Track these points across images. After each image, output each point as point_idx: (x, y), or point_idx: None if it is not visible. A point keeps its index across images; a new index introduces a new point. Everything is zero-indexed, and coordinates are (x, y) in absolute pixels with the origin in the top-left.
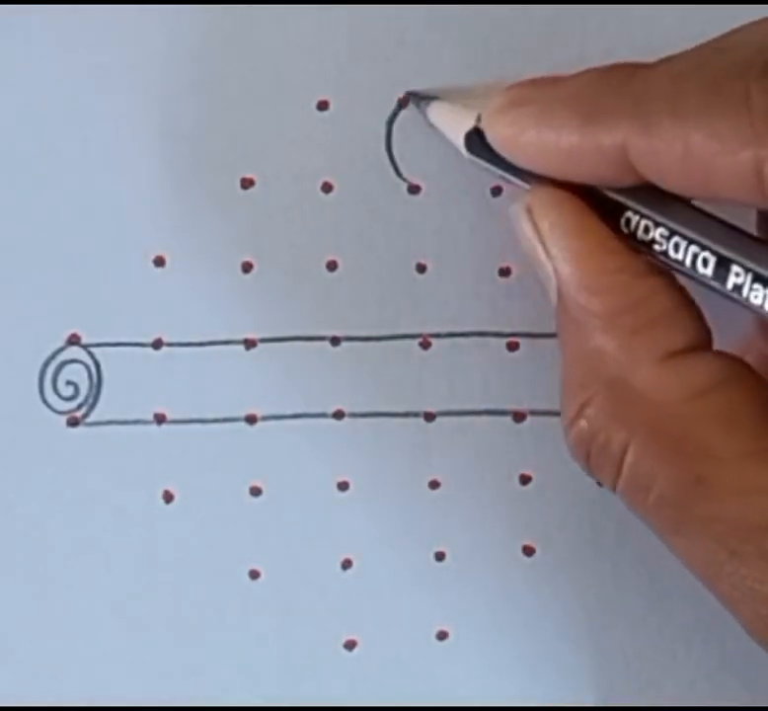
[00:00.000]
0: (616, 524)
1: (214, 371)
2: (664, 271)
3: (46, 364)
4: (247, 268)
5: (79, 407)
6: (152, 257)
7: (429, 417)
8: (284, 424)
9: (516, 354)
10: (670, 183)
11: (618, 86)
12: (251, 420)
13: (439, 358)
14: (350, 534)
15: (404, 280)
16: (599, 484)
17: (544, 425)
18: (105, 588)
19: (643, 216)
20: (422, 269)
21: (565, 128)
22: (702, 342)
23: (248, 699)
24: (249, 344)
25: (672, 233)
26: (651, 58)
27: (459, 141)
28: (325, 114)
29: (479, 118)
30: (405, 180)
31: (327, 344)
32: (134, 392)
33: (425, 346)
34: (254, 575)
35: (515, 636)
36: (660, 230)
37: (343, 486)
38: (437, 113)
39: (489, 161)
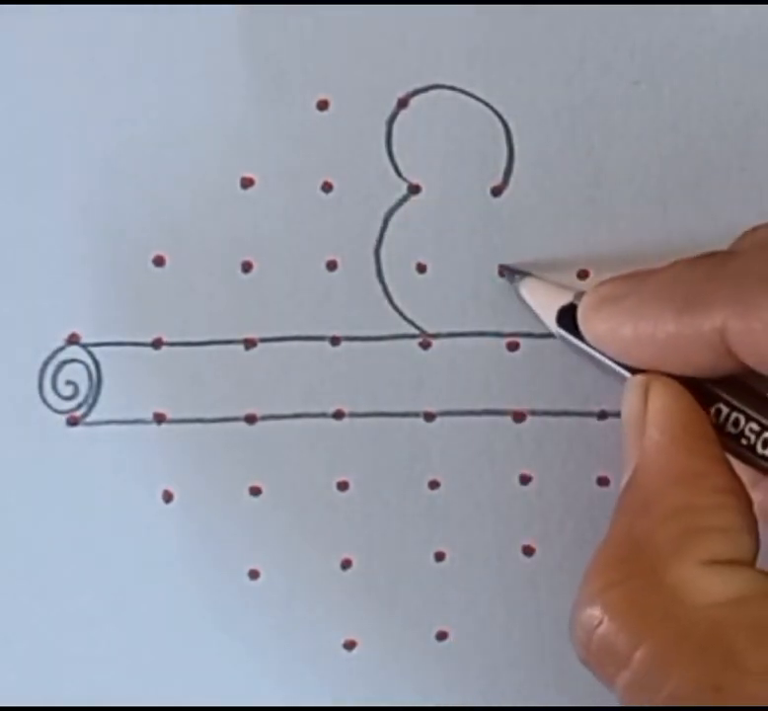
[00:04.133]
0: None
1: (214, 371)
2: (744, 492)
3: (46, 364)
4: (247, 268)
5: (79, 406)
6: (152, 257)
7: (429, 417)
8: (284, 424)
9: (516, 354)
10: None
11: (713, 270)
12: (251, 420)
13: (439, 358)
14: (350, 534)
15: (404, 280)
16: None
17: (544, 425)
18: (104, 588)
19: (734, 409)
20: (422, 269)
21: (661, 319)
22: (748, 559)
23: (248, 699)
24: (249, 344)
25: (763, 429)
26: (650, 59)
27: (551, 317)
28: (325, 114)
29: (576, 296)
30: (405, 180)
31: (327, 344)
32: (134, 392)
33: (425, 346)
34: (254, 575)
35: (515, 636)
36: (751, 425)
37: (342, 486)
38: (530, 288)
39: (580, 339)
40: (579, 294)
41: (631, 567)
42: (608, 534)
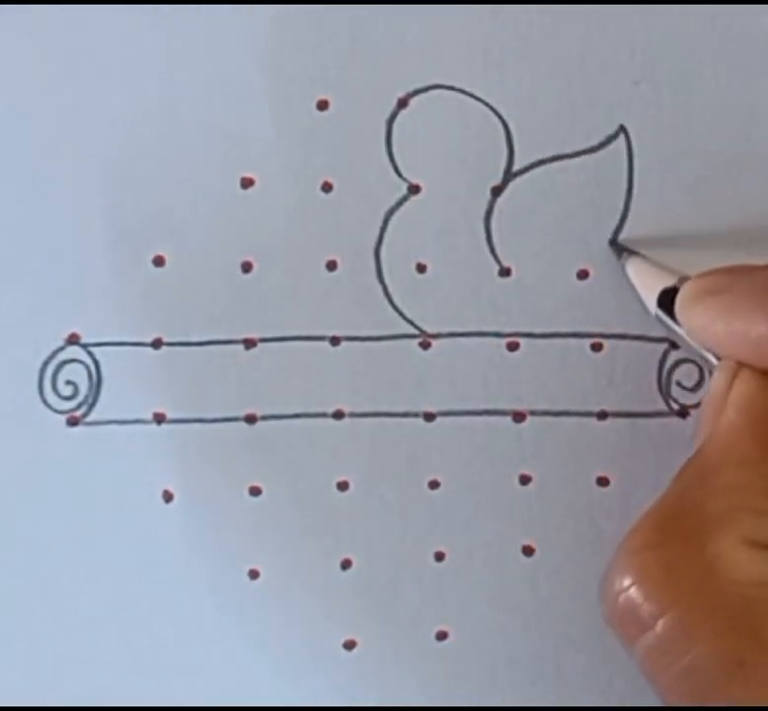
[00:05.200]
0: (616, 524)
1: (214, 371)
2: None
3: (46, 364)
4: (247, 268)
5: (79, 406)
6: (152, 257)
7: (429, 417)
8: (284, 424)
9: (516, 353)
10: None
11: None
12: (251, 420)
13: (439, 358)
14: (350, 534)
15: (404, 280)
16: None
17: (544, 425)
18: (104, 587)
19: None
20: (422, 269)
21: (753, 319)
22: None
23: (248, 699)
24: (249, 344)
25: None
26: (650, 59)
27: (652, 298)
28: (325, 114)
29: (680, 280)
30: (405, 180)
31: (327, 344)
32: (134, 392)
33: (425, 346)
34: (254, 575)
35: (515, 636)
36: None
37: (343, 486)
38: (636, 268)
39: (678, 323)
40: (684, 278)
41: (673, 532)
42: (660, 498)
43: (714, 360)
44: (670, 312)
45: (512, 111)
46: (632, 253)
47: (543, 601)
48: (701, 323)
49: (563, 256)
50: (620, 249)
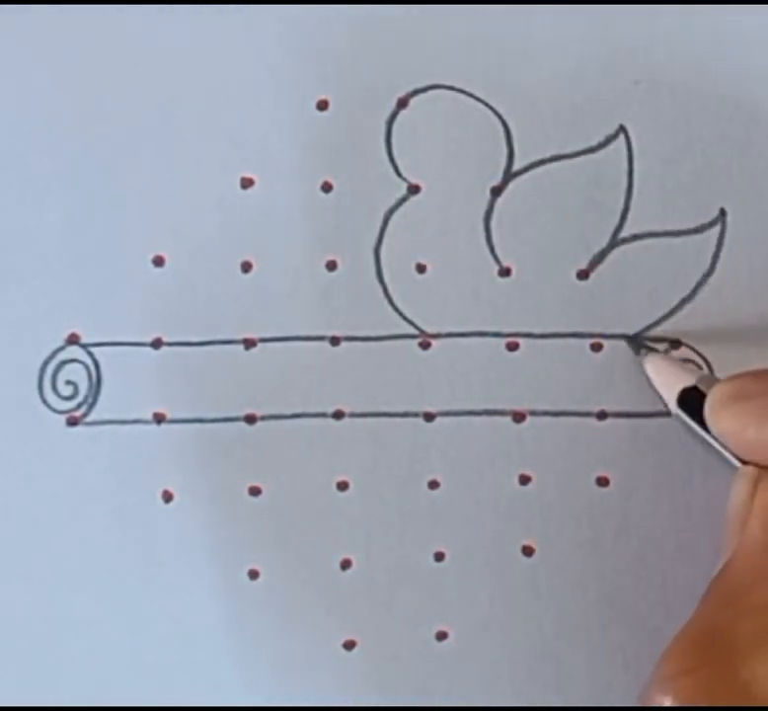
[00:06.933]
0: (616, 524)
1: (214, 371)
2: None
3: (46, 364)
4: (247, 268)
5: (78, 406)
6: (152, 257)
7: (429, 417)
8: (284, 424)
9: (516, 353)
10: None
11: None
12: (250, 420)
13: (439, 358)
14: (350, 534)
15: (404, 280)
16: None
17: (544, 425)
18: (104, 587)
19: None
20: (421, 269)
21: None
22: None
23: (248, 699)
24: (249, 344)
25: None
26: (650, 58)
27: (671, 396)
28: (325, 114)
29: (699, 379)
30: (405, 180)
31: (327, 344)
32: (134, 392)
33: (425, 346)
34: (253, 575)
35: (515, 636)
36: None
37: (342, 486)
38: (655, 365)
39: (698, 423)
40: (703, 378)
41: (706, 656)
42: (691, 619)
43: (739, 465)
44: (690, 411)
45: (512, 111)
46: (650, 349)
47: (543, 601)
48: (731, 428)
49: (563, 256)
50: (638, 345)
